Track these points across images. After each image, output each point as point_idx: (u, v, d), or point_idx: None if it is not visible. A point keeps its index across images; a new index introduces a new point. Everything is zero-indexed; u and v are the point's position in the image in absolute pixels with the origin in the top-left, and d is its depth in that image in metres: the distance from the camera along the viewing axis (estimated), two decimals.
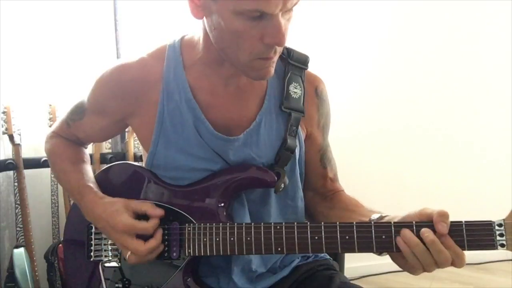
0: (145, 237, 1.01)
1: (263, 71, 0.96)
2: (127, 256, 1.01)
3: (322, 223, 0.94)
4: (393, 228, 0.89)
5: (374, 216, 0.96)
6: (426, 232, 0.86)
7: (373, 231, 0.90)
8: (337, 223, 0.93)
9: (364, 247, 0.91)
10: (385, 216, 0.95)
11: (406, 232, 0.87)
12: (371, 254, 0.97)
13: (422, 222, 0.88)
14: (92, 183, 1.12)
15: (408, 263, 0.89)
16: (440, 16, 2.78)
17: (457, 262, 0.87)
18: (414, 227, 0.88)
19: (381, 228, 0.90)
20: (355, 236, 0.91)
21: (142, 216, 1.03)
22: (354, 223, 0.92)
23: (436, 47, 2.79)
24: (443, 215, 0.86)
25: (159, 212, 1.02)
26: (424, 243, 0.86)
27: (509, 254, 2.90)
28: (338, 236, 0.92)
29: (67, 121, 1.19)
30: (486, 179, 2.88)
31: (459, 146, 2.88)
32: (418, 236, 0.87)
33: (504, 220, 0.86)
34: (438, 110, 2.84)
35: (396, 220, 0.91)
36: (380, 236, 0.90)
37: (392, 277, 2.63)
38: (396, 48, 2.76)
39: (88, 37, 2.23)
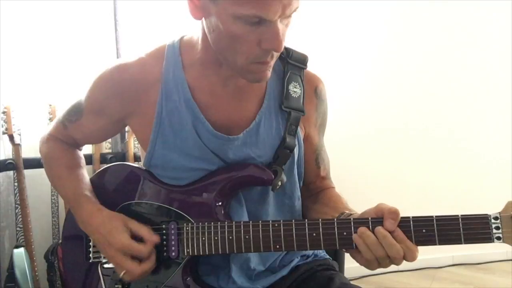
0: (139, 260, 1.03)
1: (260, 75, 0.97)
2: (121, 275, 1.02)
3: (320, 219, 0.95)
4: (352, 224, 0.93)
5: (345, 212, 1.01)
6: (379, 228, 0.90)
7: (370, 227, 0.92)
8: (335, 219, 0.95)
9: None
10: (354, 214, 0.99)
11: (361, 228, 0.91)
12: None
13: (377, 218, 0.91)
14: (88, 191, 1.12)
15: (364, 258, 0.92)
16: (440, 16, 2.77)
17: (408, 255, 0.90)
18: (370, 223, 0.91)
19: (377, 225, 0.92)
20: (353, 232, 0.92)
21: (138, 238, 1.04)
22: (352, 219, 0.94)
23: (436, 46, 2.79)
24: (393, 212, 0.90)
25: (155, 238, 1.03)
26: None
27: (509, 254, 2.91)
28: (336, 233, 0.93)
29: (64, 122, 1.18)
30: (486, 178, 2.88)
31: (459, 146, 2.88)
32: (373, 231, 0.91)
33: (500, 213, 0.88)
34: (438, 109, 2.84)
35: (355, 216, 0.96)
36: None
37: (392, 277, 2.63)
38: (395, 48, 2.76)
39: (88, 37, 2.22)
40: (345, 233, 0.93)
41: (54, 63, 2.18)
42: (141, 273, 1.02)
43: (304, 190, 1.19)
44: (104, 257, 1.12)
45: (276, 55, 0.96)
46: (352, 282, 1.15)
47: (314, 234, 0.94)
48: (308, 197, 1.19)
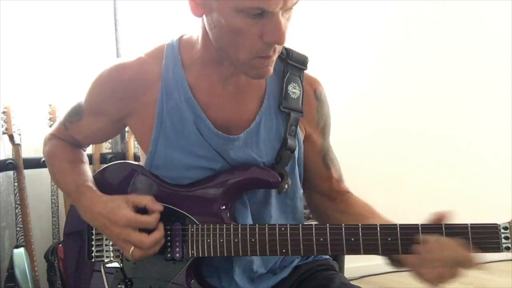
0: (147, 232, 1.00)
1: (263, 70, 0.97)
2: (131, 251, 0.99)
3: (328, 225, 0.95)
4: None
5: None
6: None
7: (378, 233, 0.91)
8: (343, 225, 0.94)
9: (370, 249, 0.92)
10: None
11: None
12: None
13: (429, 224, 0.90)
14: (90, 182, 1.11)
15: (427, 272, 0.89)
16: (440, 16, 2.78)
17: (465, 264, 0.88)
18: (420, 230, 0.90)
19: (386, 231, 0.91)
20: (361, 238, 0.92)
21: (141, 211, 1.02)
22: (360, 225, 0.93)
23: (436, 47, 2.79)
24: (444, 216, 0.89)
25: (159, 206, 1.02)
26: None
27: (509, 254, 2.88)
28: (344, 238, 0.93)
29: (65, 123, 1.18)
30: (487, 180, 2.88)
31: (460, 147, 2.88)
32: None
33: (509, 223, 0.86)
34: (439, 111, 2.84)
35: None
36: (386, 239, 0.91)
37: (392, 277, 2.63)
38: (396, 49, 2.76)
39: (88, 37, 2.23)
40: (352, 239, 0.92)
41: (54, 63, 2.19)
42: (152, 243, 0.99)
43: (323, 198, 1.17)
44: (106, 257, 1.11)
45: (278, 49, 0.95)
46: (352, 282, 1.14)
47: (322, 239, 0.94)
48: (329, 206, 1.16)
